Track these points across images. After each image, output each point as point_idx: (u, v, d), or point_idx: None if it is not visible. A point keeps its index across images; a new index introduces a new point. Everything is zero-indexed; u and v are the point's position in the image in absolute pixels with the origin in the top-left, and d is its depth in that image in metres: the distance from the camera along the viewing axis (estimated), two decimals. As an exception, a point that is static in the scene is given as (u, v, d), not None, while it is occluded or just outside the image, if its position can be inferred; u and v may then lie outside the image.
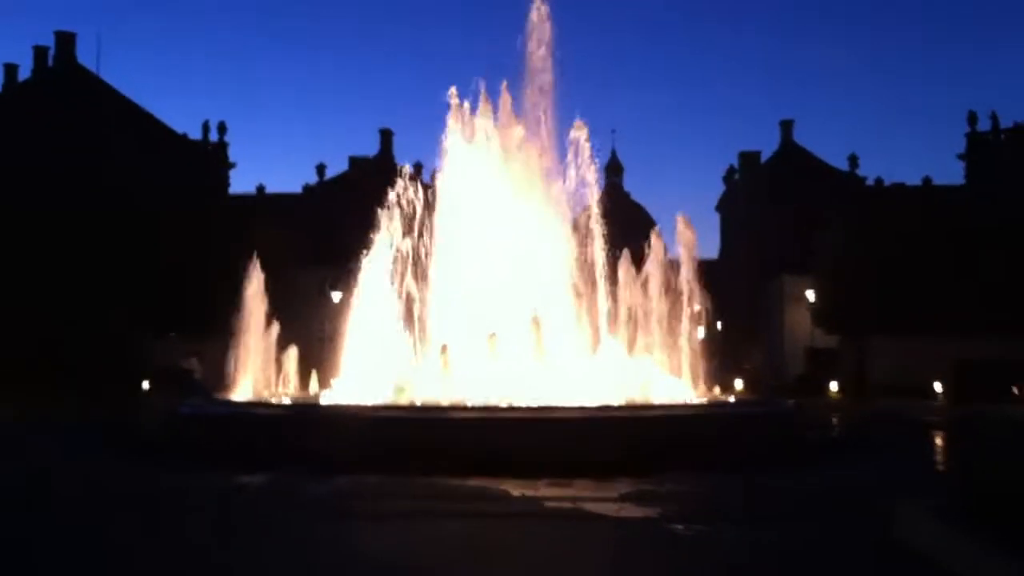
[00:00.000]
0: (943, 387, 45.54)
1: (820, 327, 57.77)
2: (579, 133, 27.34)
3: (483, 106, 27.59)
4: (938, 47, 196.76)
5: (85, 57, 67.53)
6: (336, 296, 48.51)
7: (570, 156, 27.36)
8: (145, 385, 47.75)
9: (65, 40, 66.21)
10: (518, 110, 27.81)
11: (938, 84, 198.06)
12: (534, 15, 28.06)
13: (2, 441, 25.85)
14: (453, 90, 27.40)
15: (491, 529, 12.87)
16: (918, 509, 11.36)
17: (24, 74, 65.73)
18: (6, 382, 41.40)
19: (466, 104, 27.47)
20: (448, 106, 27.37)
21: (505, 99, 27.83)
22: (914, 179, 71.11)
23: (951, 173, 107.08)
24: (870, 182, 70.74)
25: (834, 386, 53.50)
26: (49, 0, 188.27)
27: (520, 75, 27.87)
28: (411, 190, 27.53)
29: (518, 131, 27.54)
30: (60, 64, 65.75)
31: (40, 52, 65.85)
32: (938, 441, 27.25)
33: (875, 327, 51.50)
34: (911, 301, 48.50)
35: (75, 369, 45.44)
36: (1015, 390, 40.05)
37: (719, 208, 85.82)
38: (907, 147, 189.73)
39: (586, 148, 27.37)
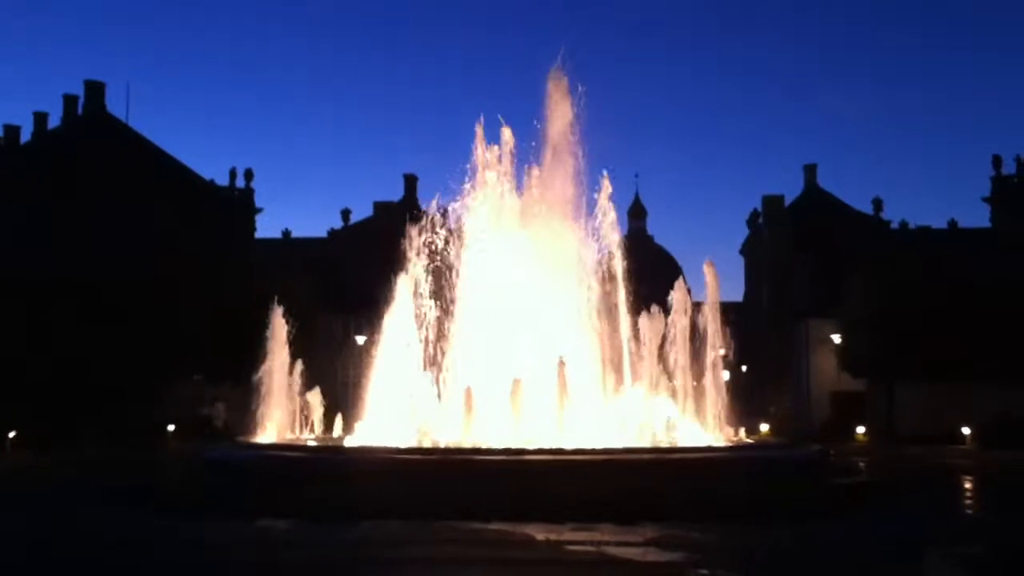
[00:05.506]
0: (972, 433, 45.00)
1: (846, 371, 57.26)
2: (604, 184, 27.55)
3: (507, 152, 27.74)
4: (963, 92, 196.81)
5: (114, 105, 68.48)
6: (360, 340, 48.66)
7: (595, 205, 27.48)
8: (171, 428, 47.94)
9: (95, 89, 66.96)
10: (542, 154, 27.93)
11: (963, 128, 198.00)
12: (557, 69, 28.18)
13: (36, 486, 26.33)
14: (479, 134, 27.55)
15: (515, 576, 12.77)
16: (948, 559, 11.20)
17: (54, 122, 66.53)
18: (30, 426, 41.59)
19: (491, 149, 27.58)
20: (473, 151, 27.55)
21: (529, 145, 28.02)
22: (939, 222, 70.90)
23: (977, 216, 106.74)
24: (895, 225, 70.47)
25: (861, 431, 53.00)
26: (78, 51, 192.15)
27: (544, 119, 27.99)
28: (435, 235, 27.64)
29: (542, 177, 27.65)
30: (90, 112, 66.50)
31: (70, 101, 66.56)
32: (967, 487, 26.88)
33: (902, 372, 50.98)
34: (939, 346, 47.97)
35: (99, 414, 45.52)
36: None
37: (743, 252, 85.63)
38: (932, 191, 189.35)
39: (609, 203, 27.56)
